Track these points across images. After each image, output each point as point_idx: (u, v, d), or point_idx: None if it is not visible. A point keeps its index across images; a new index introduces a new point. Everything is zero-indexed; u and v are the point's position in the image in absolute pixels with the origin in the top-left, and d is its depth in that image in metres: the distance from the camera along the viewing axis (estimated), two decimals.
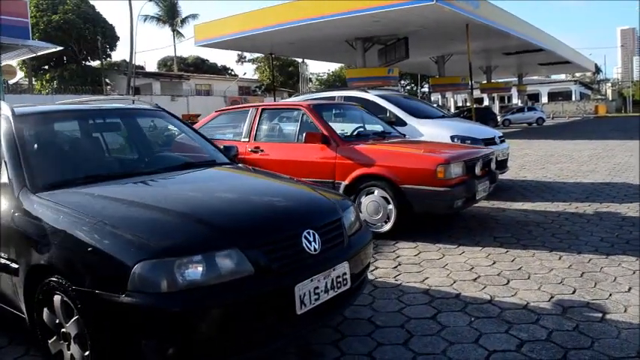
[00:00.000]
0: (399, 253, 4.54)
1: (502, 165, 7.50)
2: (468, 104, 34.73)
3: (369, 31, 22.58)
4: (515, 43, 26.78)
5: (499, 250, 4.50)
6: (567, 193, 7.22)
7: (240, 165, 3.85)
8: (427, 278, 3.85)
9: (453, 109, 35.63)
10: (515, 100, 50.90)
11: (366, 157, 5.06)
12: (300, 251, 2.44)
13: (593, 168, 9.77)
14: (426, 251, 4.56)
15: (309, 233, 2.50)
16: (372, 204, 5.04)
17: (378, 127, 6.45)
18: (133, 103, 4.68)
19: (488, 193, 5.59)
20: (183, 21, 53.15)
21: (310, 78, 58.75)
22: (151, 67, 60.90)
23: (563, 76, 67.92)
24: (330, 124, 6.21)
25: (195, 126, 6.77)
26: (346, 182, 5.16)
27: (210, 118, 6.74)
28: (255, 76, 54.51)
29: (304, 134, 5.32)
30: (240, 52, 58.68)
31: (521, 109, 38.35)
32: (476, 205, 6.13)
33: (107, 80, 41.48)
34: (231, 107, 6.58)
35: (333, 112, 6.49)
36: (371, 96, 7.93)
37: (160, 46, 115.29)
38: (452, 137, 7.04)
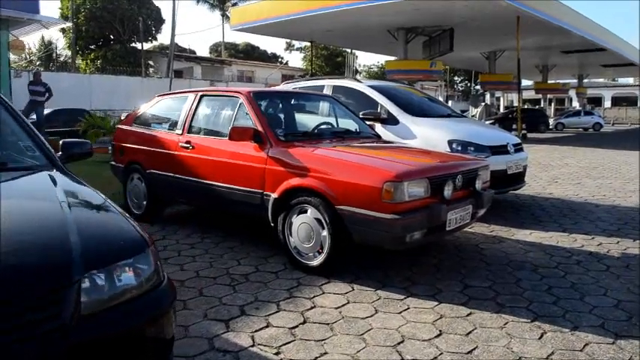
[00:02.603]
0: (318, 301, 3.26)
1: (516, 179, 6.03)
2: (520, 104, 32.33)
3: (411, 21, 20.98)
4: (574, 41, 24.43)
5: (460, 310, 3.14)
6: (595, 220, 5.67)
7: (70, 173, 2.66)
8: (323, 355, 2.57)
9: (502, 109, 33.31)
10: (575, 104, 47.69)
11: (299, 164, 3.79)
12: None
13: None
14: (358, 302, 3.26)
15: None
16: (303, 227, 3.77)
17: (351, 124, 5.15)
18: None
19: (474, 220, 4.22)
20: (235, 5, 52.68)
21: (357, 69, 57.34)
22: (203, 51, 61.02)
23: (630, 80, 63.36)
24: (297, 117, 5.02)
25: (135, 113, 5.70)
26: (275, 195, 3.91)
27: (151, 104, 5.62)
28: (304, 65, 53.49)
29: (230, 129, 4.09)
30: (288, 40, 58.07)
31: (577, 113, 35.52)
32: (468, 229, 4.77)
33: (151, 62, 41.46)
34: (173, 92, 5.40)
35: (295, 102, 5.20)
36: (362, 86, 6.59)
37: (208, 30, 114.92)
38: (449, 142, 5.64)
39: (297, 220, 3.80)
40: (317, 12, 19.94)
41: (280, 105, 4.94)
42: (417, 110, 6.27)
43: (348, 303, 3.24)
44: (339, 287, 3.49)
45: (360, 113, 6.08)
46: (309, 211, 3.72)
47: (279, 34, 26.58)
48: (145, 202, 5.40)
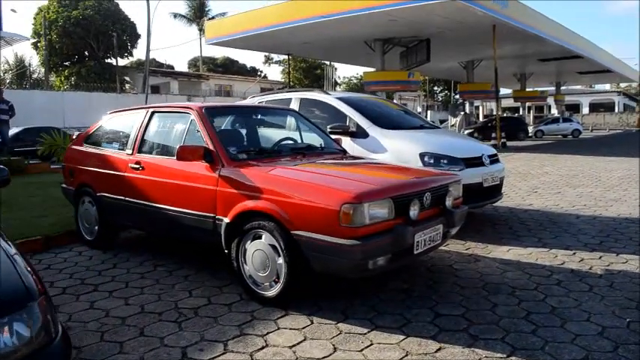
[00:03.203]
0: (272, 339, 2.90)
1: (493, 192, 5.75)
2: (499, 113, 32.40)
3: (387, 32, 20.84)
4: (550, 49, 24.53)
5: (429, 345, 2.80)
6: (576, 233, 5.40)
7: None
8: None
9: (481, 118, 33.35)
10: (554, 111, 48.05)
11: (252, 185, 3.44)
12: None
13: (621, 196, 7.84)
14: (316, 338, 2.91)
15: None
16: (258, 254, 3.42)
17: (315, 139, 4.83)
18: None
19: (446, 240, 3.91)
20: (211, 20, 52.38)
21: (337, 81, 57.24)
22: (182, 66, 60.49)
23: (607, 87, 64.25)
24: (257, 134, 4.69)
25: (87, 132, 5.33)
26: (227, 219, 3.56)
27: (102, 122, 5.24)
28: (282, 78, 53.21)
29: (177, 148, 3.74)
30: (267, 54, 57.87)
31: (555, 120, 35.70)
32: (442, 247, 4.46)
33: (127, 78, 40.89)
34: (124, 109, 5.03)
35: (254, 118, 4.86)
36: (330, 99, 6.29)
37: (184, 44, 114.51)
38: (421, 155, 5.35)
39: (252, 247, 3.46)
40: (292, 24, 19.71)
41: (237, 121, 4.60)
42: (387, 122, 5.97)
43: (305, 340, 2.89)
44: (296, 321, 3.14)
45: (328, 127, 5.80)
46: (263, 236, 3.37)
47: (255, 47, 26.30)
48: (96, 228, 5.01)
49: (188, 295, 3.68)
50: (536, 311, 3.26)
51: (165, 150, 4.32)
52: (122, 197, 4.55)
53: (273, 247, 3.30)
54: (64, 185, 5.53)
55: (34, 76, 42.31)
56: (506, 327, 3.03)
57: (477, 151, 5.74)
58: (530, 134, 31.41)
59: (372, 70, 24.57)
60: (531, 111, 46.48)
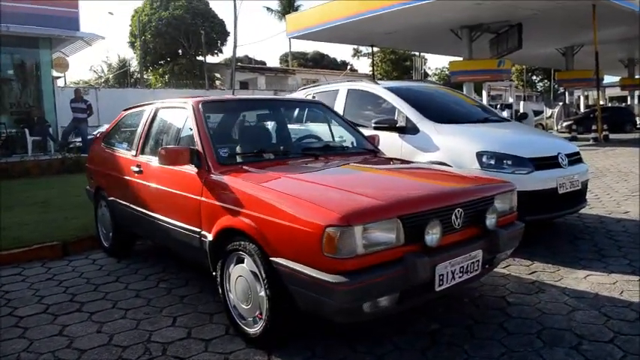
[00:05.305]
0: None
1: (572, 199, 4.69)
2: (603, 103, 29.36)
3: (475, 18, 19.36)
4: None
5: None
6: None
7: None
8: None
9: (582, 109, 30.43)
10: None
11: (233, 197, 2.78)
12: None
13: None
14: None
15: None
16: (240, 282, 2.76)
17: (342, 136, 4.09)
18: None
19: (489, 269, 3.03)
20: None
21: (427, 73, 55.23)
22: (274, 61, 61.29)
23: None
24: (275, 130, 4.05)
25: (106, 130, 4.97)
26: (211, 237, 2.94)
27: (116, 120, 4.84)
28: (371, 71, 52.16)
29: (159, 151, 3.16)
30: (355, 47, 57.03)
31: None
32: (500, 268, 3.57)
33: (217, 75, 41.95)
34: (137, 105, 4.57)
35: (268, 113, 4.15)
36: (378, 89, 5.50)
37: (275, 40, 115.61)
38: (479, 154, 4.43)
39: (235, 272, 2.81)
40: (372, 14, 18.90)
41: (245, 117, 3.96)
42: (442, 115, 5.08)
43: None
44: None
45: (372, 122, 5.04)
46: (245, 260, 2.71)
47: (337, 39, 25.64)
48: (111, 234, 4.61)
49: (171, 323, 3.11)
50: None
51: None
52: (127, 203, 4.11)
53: (255, 274, 2.63)
54: (87, 188, 5.22)
55: (135, 75, 44.72)
56: None
57: (552, 149, 4.69)
58: (638, 126, 28.16)
59: (458, 59, 23.05)
60: None
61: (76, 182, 8.32)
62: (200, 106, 3.43)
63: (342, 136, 4.03)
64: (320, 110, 4.27)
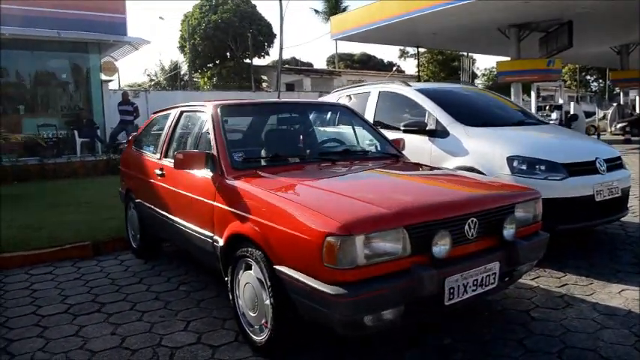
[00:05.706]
0: None
1: (611, 207, 4.43)
2: None
3: (522, 16, 18.76)
4: None
5: None
6: None
7: None
8: None
9: (638, 110, 28.97)
10: None
11: (243, 202, 2.75)
12: None
13: None
14: None
15: None
16: (248, 289, 2.73)
17: (365, 140, 4.00)
18: None
19: (509, 283, 2.88)
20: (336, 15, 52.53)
21: (476, 73, 54.00)
22: (321, 63, 61.46)
23: None
24: (296, 135, 4.03)
25: (137, 133, 5.08)
26: (222, 242, 2.92)
27: (146, 123, 4.92)
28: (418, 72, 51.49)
29: (175, 155, 3.17)
30: (402, 48, 56.42)
31: None
32: (527, 279, 3.42)
33: (264, 77, 42.43)
34: (165, 108, 4.62)
35: (290, 117, 4.12)
36: (408, 91, 5.37)
37: (321, 41, 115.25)
38: (509, 159, 4.24)
39: (243, 278, 2.78)
40: (416, 14, 18.67)
41: (264, 121, 3.93)
42: (474, 118, 4.90)
43: None
44: None
45: (401, 125, 4.94)
46: (253, 267, 2.68)
47: (382, 40, 25.45)
48: (138, 236, 4.69)
49: (183, 327, 3.12)
50: None
51: None
52: (151, 206, 4.16)
53: (261, 282, 2.59)
54: (119, 189, 5.33)
55: (186, 78, 45.88)
56: None
57: (589, 153, 4.44)
58: None
59: (507, 59, 22.41)
60: None
61: (117, 183, 8.53)
62: (218, 109, 3.43)
63: (364, 139, 3.95)
64: (343, 113, 4.21)
